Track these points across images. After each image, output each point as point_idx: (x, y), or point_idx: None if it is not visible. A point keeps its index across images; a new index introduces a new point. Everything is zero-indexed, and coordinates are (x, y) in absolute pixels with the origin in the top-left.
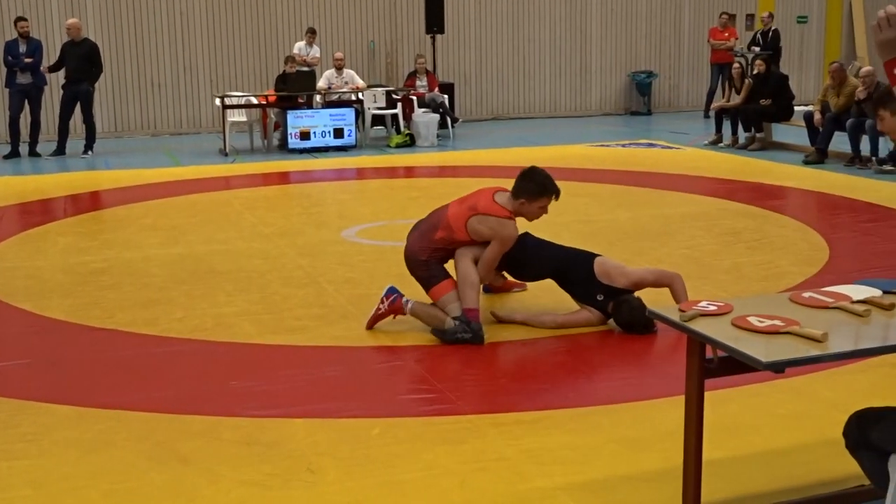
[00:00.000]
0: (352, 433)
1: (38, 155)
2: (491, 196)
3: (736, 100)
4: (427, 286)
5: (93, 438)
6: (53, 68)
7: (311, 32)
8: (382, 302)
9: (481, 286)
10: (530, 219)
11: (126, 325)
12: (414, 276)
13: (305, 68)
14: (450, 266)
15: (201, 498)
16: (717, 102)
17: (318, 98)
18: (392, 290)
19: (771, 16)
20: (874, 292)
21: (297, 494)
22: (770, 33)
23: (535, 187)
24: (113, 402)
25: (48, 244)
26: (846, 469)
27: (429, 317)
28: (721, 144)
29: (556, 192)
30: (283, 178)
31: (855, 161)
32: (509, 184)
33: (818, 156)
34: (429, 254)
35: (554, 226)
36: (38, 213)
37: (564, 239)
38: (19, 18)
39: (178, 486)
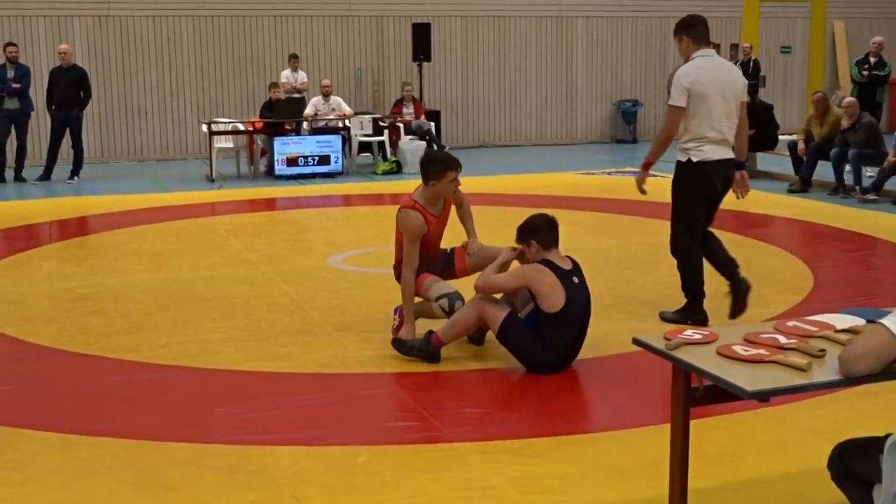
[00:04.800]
0: (337, 461)
1: (24, 180)
2: (409, 194)
3: None
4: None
5: (76, 466)
6: (48, 96)
7: (294, 58)
8: (394, 317)
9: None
10: (447, 194)
11: (110, 351)
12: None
13: (296, 95)
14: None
15: None
16: None
17: (305, 125)
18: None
19: (750, 46)
20: (858, 321)
21: None
22: (751, 63)
23: (438, 167)
24: (97, 429)
25: (32, 269)
26: (831, 497)
27: (422, 312)
28: None
29: (458, 165)
30: (270, 204)
31: (838, 190)
32: (494, 211)
33: (802, 185)
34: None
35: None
36: (22, 238)
37: None
38: (8, 44)
39: None
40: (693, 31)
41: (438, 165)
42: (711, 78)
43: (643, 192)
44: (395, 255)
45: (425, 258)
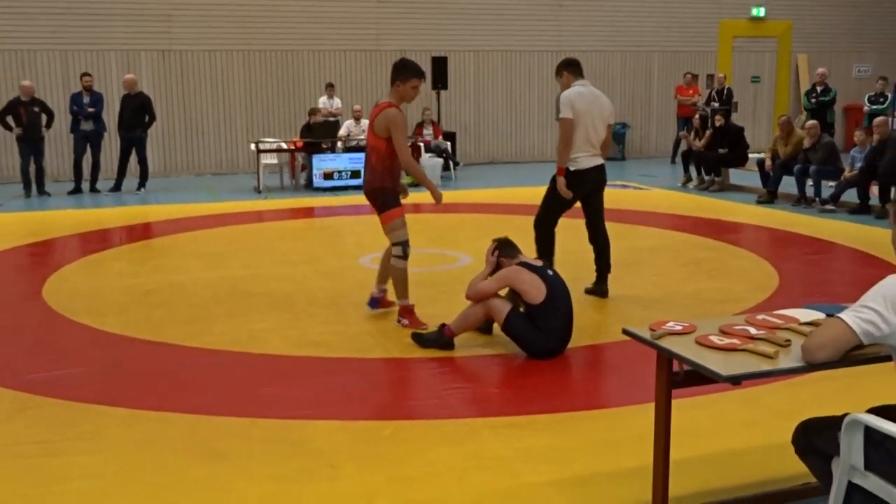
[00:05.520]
0: (366, 434)
1: (98, 191)
2: (377, 106)
3: (698, 145)
4: (381, 211)
5: (142, 437)
6: (119, 119)
7: (330, 87)
8: (401, 321)
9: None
10: (408, 99)
11: (172, 338)
12: (373, 206)
13: (331, 118)
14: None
15: (235, 490)
16: (684, 147)
17: (339, 144)
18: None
19: (724, 76)
20: (819, 315)
21: (319, 487)
22: (725, 91)
23: (407, 72)
24: (160, 405)
25: (105, 268)
26: (794, 469)
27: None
28: (690, 185)
29: (423, 76)
30: (309, 212)
31: (801, 201)
32: (503, 219)
33: (769, 197)
34: (377, 182)
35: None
36: (96, 241)
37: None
38: (84, 74)
39: (215, 480)
40: (572, 69)
41: (408, 71)
42: (586, 102)
43: (567, 195)
44: (370, 171)
45: (393, 168)
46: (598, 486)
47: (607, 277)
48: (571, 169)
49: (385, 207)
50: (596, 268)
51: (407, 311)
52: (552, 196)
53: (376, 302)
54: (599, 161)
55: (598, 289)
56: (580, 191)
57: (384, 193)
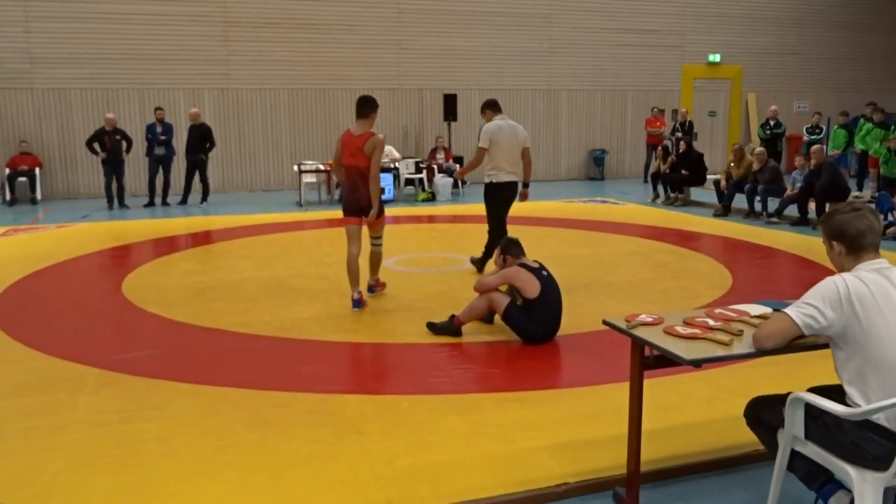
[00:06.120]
0: (388, 405)
1: (168, 204)
2: (361, 134)
3: (664, 168)
4: (378, 216)
5: (203, 407)
6: (186, 145)
7: None
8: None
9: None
10: (371, 127)
11: (228, 326)
12: (363, 214)
13: None
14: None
15: (280, 452)
16: (653, 169)
17: None
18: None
19: (686, 111)
20: (767, 310)
21: (350, 449)
22: (687, 123)
23: (373, 104)
24: (218, 381)
25: (173, 268)
26: (746, 438)
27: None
28: (658, 201)
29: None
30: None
31: (750, 215)
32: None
33: (724, 211)
34: (369, 196)
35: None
36: (166, 245)
37: None
38: (157, 108)
39: (264, 443)
40: (492, 108)
41: (375, 104)
42: (503, 133)
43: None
44: (363, 188)
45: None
46: (582, 450)
47: (492, 253)
48: (494, 182)
49: (380, 213)
50: (487, 246)
51: (379, 283)
52: (490, 206)
53: (372, 288)
54: (514, 178)
55: (482, 259)
56: (502, 197)
57: (379, 203)
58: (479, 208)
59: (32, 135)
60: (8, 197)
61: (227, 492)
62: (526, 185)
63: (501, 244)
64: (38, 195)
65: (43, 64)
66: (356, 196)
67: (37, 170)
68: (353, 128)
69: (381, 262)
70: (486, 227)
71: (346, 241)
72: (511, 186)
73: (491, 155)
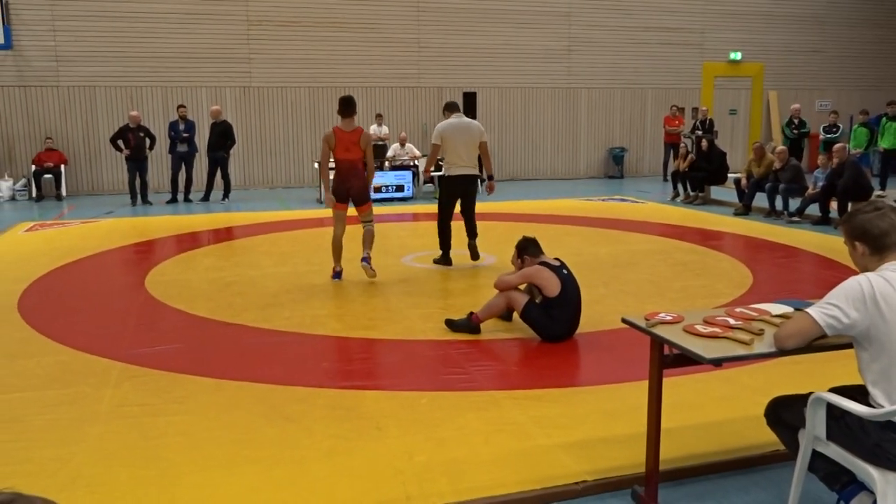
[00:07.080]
0: (407, 401)
1: (191, 201)
2: (352, 130)
3: (683, 166)
4: (367, 200)
5: (224, 402)
6: (208, 142)
7: (379, 116)
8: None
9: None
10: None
11: (249, 321)
12: (362, 201)
13: (380, 142)
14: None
15: (301, 446)
16: (673, 167)
17: (386, 163)
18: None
19: (707, 109)
20: (788, 309)
21: (369, 445)
22: (707, 121)
23: (354, 104)
24: (239, 376)
25: (195, 263)
26: (766, 438)
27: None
28: (678, 199)
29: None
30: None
31: (771, 214)
32: (521, 226)
33: (744, 210)
34: (367, 185)
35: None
36: (188, 241)
37: None
38: (180, 105)
39: (285, 438)
40: (449, 108)
41: (355, 105)
42: (455, 129)
43: (428, 180)
44: (363, 176)
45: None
46: (600, 448)
47: (473, 244)
48: (446, 175)
49: (370, 198)
50: (467, 234)
51: (369, 258)
52: (441, 197)
53: (366, 259)
54: (468, 171)
55: (471, 248)
56: (453, 190)
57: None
58: (497, 206)
59: (58, 132)
60: (34, 193)
61: (248, 485)
62: (490, 178)
63: (519, 244)
64: (64, 191)
65: (68, 62)
66: (346, 185)
67: (62, 166)
68: (342, 125)
69: (374, 239)
70: (499, 224)
71: (334, 223)
72: (463, 180)
73: (444, 150)
